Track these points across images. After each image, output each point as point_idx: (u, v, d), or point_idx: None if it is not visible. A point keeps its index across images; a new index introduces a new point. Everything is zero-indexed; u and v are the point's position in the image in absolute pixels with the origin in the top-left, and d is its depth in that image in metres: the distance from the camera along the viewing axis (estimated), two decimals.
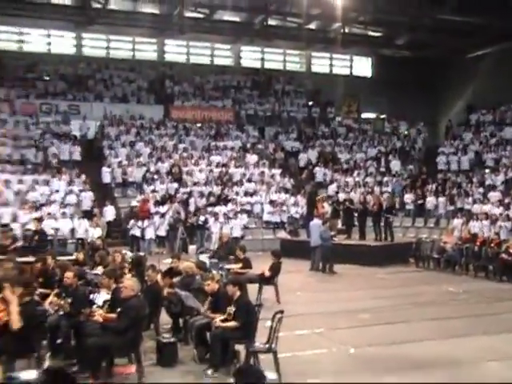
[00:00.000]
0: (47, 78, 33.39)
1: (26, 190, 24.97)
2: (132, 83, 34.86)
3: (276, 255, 15.04)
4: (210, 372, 8.76)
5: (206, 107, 34.67)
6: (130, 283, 8.98)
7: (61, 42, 35.46)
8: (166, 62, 37.03)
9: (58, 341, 9.41)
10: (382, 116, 39.77)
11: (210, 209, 25.98)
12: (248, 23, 35.14)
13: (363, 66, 41.88)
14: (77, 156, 28.58)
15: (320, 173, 31.13)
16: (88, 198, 25.62)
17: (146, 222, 24.47)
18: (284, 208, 27.43)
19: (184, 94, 35.21)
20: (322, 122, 36.99)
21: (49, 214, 23.49)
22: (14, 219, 22.79)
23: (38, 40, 34.97)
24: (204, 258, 16.09)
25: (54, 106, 31.65)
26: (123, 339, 8.41)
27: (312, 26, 35.71)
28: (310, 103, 38.16)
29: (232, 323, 8.83)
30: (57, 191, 25.54)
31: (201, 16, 33.39)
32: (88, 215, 24.42)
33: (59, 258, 12.77)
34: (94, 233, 22.23)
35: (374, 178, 31.14)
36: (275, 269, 14.52)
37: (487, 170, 29.99)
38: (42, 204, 24.30)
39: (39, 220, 21.01)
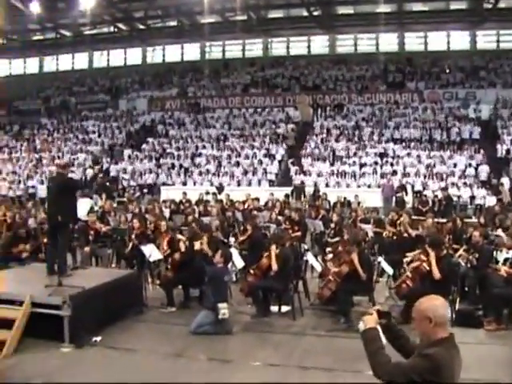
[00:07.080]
0: (448, 71, 32.97)
1: (434, 163, 25.30)
2: None
3: None
4: None
5: None
6: None
7: (457, 39, 34.52)
8: None
9: (465, 288, 9.45)
10: None
11: None
12: None
13: None
14: (476, 135, 27.51)
15: None
16: (484, 170, 24.55)
17: None
18: None
19: None
20: None
21: (452, 183, 23.44)
22: (424, 187, 23.38)
23: (439, 40, 34.69)
24: None
25: (455, 93, 31.10)
26: None
27: None
28: None
29: None
30: (459, 165, 25.24)
31: None
32: (484, 185, 23.61)
33: (465, 220, 12.67)
34: (490, 200, 21.58)
35: None
36: None
37: None
38: (447, 175, 24.36)
39: (444, 189, 21.11)
